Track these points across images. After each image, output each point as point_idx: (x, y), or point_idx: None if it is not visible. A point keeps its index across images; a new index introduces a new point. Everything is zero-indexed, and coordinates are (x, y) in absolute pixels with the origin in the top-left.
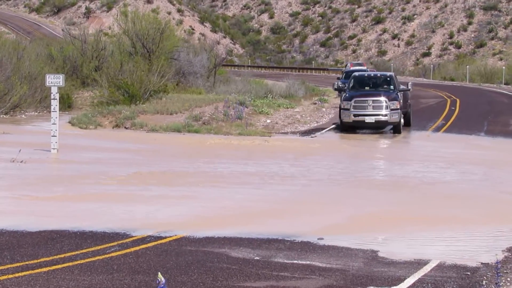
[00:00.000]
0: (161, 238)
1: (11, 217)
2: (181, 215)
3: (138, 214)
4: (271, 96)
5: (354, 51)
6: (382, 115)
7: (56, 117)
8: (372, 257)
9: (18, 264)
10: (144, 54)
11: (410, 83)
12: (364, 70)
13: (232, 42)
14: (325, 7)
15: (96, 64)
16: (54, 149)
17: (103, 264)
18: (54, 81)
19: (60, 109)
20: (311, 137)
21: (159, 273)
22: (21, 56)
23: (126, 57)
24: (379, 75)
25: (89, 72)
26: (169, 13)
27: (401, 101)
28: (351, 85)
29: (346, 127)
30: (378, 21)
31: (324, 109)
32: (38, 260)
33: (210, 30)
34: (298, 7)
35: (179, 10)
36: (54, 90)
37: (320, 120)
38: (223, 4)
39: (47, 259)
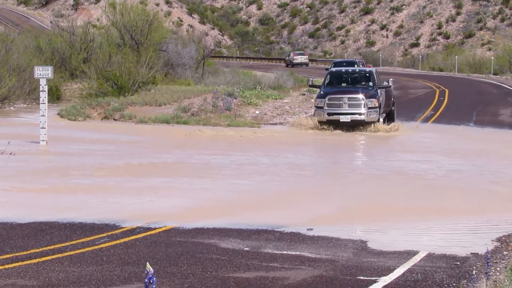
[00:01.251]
0: (150, 229)
1: (0, 209)
2: (170, 206)
3: (128, 206)
4: (260, 87)
5: (342, 42)
6: (358, 113)
7: (45, 109)
8: (362, 248)
9: (7, 256)
10: (132, 46)
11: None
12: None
13: (221, 33)
14: None
15: (84, 56)
16: (43, 141)
17: (92, 255)
18: (43, 73)
19: (48, 101)
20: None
21: (147, 263)
22: (9, 48)
23: (115, 48)
24: (357, 70)
25: (78, 64)
26: (157, 4)
27: (382, 98)
28: (327, 81)
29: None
30: (367, 11)
31: (313, 100)
32: (28, 252)
33: (199, 22)
34: None
35: (167, 2)
36: (42, 82)
37: (309, 111)
38: None
39: (37, 250)
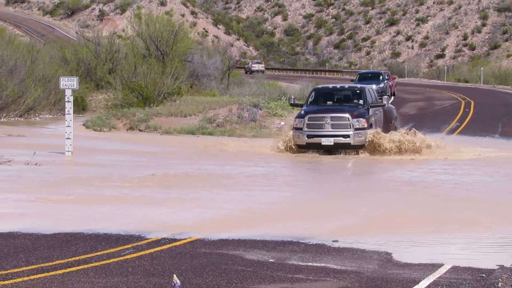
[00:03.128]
0: (175, 240)
1: (26, 220)
2: (195, 217)
3: (153, 217)
4: (285, 98)
5: (368, 53)
6: (342, 135)
7: (71, 120)
8: (387, 259)
9: (33, 267)
10: (158, 57)
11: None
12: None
13: (246, 44)
14: (339, 9)
15: (110, 67)
16: (68, 151)
17: (118, 266)
18: (68, 83)
19: (74, 112)
20: None
21: (174, 275)
22: (35, 59)
23: (140, 59)
24: (346, 87)
25: (103, 75)
26: (183, 15)
27: (374, 119)
28: (310, 99)
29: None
30: (392, 22)
31: None
32: (53, 263)
33: (224, 32)
34: (312, 9)
35: (192, 13)
36: (68, 92)
37: None
38: (237, 6)
39: (62, 261)
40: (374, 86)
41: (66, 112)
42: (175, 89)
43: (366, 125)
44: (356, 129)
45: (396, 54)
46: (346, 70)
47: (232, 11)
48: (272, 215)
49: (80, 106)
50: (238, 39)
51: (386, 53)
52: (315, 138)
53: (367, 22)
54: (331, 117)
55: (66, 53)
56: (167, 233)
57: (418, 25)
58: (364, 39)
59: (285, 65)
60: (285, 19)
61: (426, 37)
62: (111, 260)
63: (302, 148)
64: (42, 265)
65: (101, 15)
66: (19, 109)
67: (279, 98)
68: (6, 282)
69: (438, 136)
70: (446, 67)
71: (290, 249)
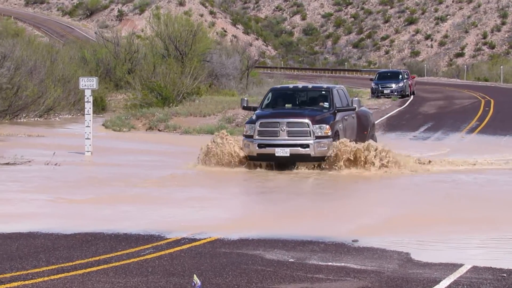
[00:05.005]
0: (195, 240)
1: (46, 220)
2: (215, 217)
3: (172, 216)
4: None
5: (387, 52)
6: (301, 145)
7: (90, 120)
8: (407, 259)
9: (53, 267)
10: (177, 57)
11: (356, 99)
12: None
13: (265, 44)
14: (358, 8)
15: (129, 67)
16: (88, 151)
17: (137, 266)
18: (88, 84)
19: (93, 112)
20: None
21: (194, 275)
22: (54, 59)
23: (159, 59)
24: (310, 87)
25: (122, 75)
26: (202, 15)
27: (342, 125)
28: (266, 101)
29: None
30: (411, 21)
31: None
32: (73, 263)
33: (243, 32)
34: (331, 8)
35: (211, 12)
36: (87, 93)
37: None
38: (255, 6)
39: (82, 261)
40: (393, 86)
41: (86, 112)
42: (194, 89)
43: (330, 133)
44: (317, 137)
45: (415, 53)
46: (365, 69)
47: (250, 10)
48: (291, 215)
49: (100, 106)
50: (257, 39)
51: (405, 52)
52: (267, 148)
53: (386, 21)
54: (287, 122)
55: (86, 54)
56: (186, 233)
57: (437, 24)
58: (383, 38)
59: (304, 65)
60: (303, 18)
61: (446, 36)
62: (131, 260)
63: (254, 160)
64: (62, 265)
65: (120, 16)
66: (39, 110)
67: None
68: (26, 282)
69: (457, 135)
70: (465, 66)
71: (310, 248)
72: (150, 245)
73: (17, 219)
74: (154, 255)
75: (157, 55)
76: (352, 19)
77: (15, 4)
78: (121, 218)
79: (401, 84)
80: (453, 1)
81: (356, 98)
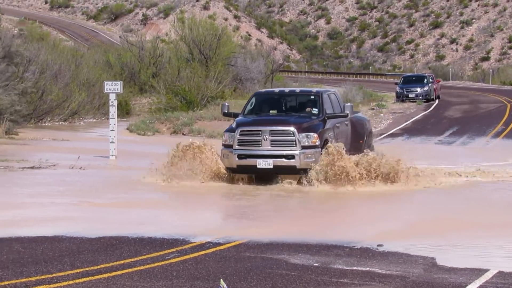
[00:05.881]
0: (219, 244)
1: (70, 224)
2: (239, 221)
3: (197, 221)
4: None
5: (412, 56)
6: (286, 156)
7: (114, 124)
8: (432, 264)
9: (78, 270)
10: (201, 61)
11: (348, 104)
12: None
13: (289, 47)
14: (382, 12)
15: (153, 71)
16: (112, 155)
17: (162, 270)
18: (112, 88)
19: (118, 116)
20: None
21: (221, 279)
22: (79, 63)
23: (183, 63)
24: (298, 91)
25: (147, 79)
26: (226, 19)
27: (332, 134)
28: (249, 107)
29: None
30: (436, 25)
31: (382, 114)
32: (98, 266)
33: (267, 36)
34: (355, 12)
35: (235, 16)
36: (112, 97)
37: (378, 126)
38: (280, 9)
39: (107, 265)
40: (418, 90)
41: (110, 116)
42: (219, 93)
43: (318, 142)
44: (304, 147)
45: (440, 57)
46: (390, 73)
47: (275, 14)
48: (316, 219)
49: (124, 110)
50: (281, 43)
51: (430, 56)
52: (248, 159)
53: (411, 25)
54: (271, 131)
55: (110, 58)
56: (211, 237)
57: (462, 27)
58: (408, 42)
59: (329, 69)
60: (328, 22)
61: (471, 40)
62: (156, 264)
63: (233, 172)
64: (87, 268)
65: (145, 20)
66: (64, 114)
67: None
68: (51, 285)
69: (482, 139)
70: (491, 70)
71: (334, 253)
72: (174, 249)
73: (42, 223)
74: (179, 259)
75: (181, 59)
76: (377, 23)
77: (40, 8)
78: (145, 222)
79: (426, 88)
80: (478, 5)
81: (349, 104)
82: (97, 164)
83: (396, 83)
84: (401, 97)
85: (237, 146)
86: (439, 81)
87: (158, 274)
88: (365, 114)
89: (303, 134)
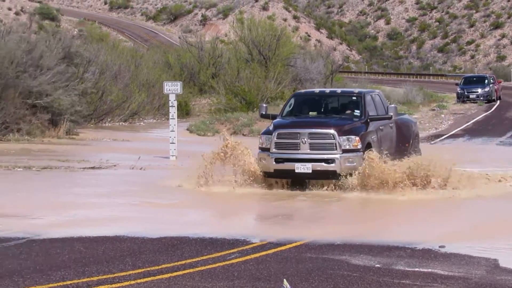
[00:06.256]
0: (281, 244)
1: (132, 224)
2: (300, 221)
3: (258, 221)
4: (389, 102)
5: (472, 57)
6: (326, 160)
7: (175, 124)
8: (495, 265)
9: (139, 270)
10: (260, 61)
11: (392, 106)
12: None
13: (349, 48)
14: (442, 12)
15: (213, 71)
16: (173, 156)
17: (223, 270)
18: (172, 88)
19: (178, 116)
20: (430, 143)
21: (284, 279)
22: (139, 64)
23: (243, 64)
24: (339, 92)
25: (206, 79)
26: (285, 19)
27: (376, 137)
28: (288, 108)
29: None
30: (497, 26)
31: (443, 115)
32: (159, 267)
33: (326, 37)
34: (415, 12)
35: (295, 17)
36: (172, 97)
37: (439, 127)
38: (339, 10)
39: (168, 265)
40: (479, 90)
41: (170, 117)
42: (278, 94)
43: (359, 146)
44: (344, 150)
45: (501, 58)
46: (450, 74)
47: (334, 15)
48: (377, 220)
49: (184, 111)
50: (341, 43)
51: (491, 56)
52: (286, 163)
53: (471, 26)
54: (310, 133)
55: (170, 58)
56: (272, 238)
57: None
58: (469, 43)
59: (388, 69)
60: (388, 23)
61: None
62: (217, 265)
63: (270, 177)
64: (148, 269)
65: (204, 20)
66: (124, 114)
67: None
68: (113, 285)
69: None
70: None
71: (396, 254)
72: (235, 250)
73: (103, 223)
74: (240, 259)
75: (240, 60)
76: (437, 23)
77: (99, 9)
78: (206, 222)
79: (487, 89)
80: None
81: (393, 105)
82: (157, 165)
83: (456, 84)
84: (462, 98)
85: (274, 150)
86: (500, 82)
87: (220, 275)
88: (426, 114)
89: (344, 137)
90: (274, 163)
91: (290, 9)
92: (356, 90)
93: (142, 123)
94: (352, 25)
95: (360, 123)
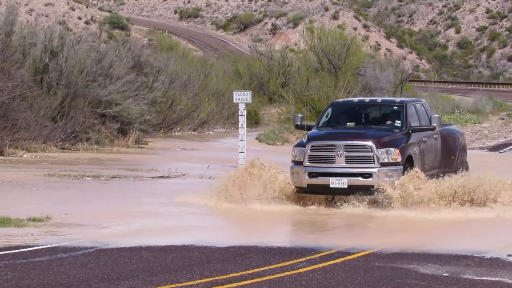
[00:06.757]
0: (349, 254)
1: (200, 232)
2: (368, 231)
3: (326, 230)
4: (458, 111)
5: None
6: (363, 174)
7: (244, 134)
8: None
9: (207, 280)
10: (330, 70)
11: (436, 116)
12: None
13: (418, 57)
14: None
15: (282, 81)
16: (241, 165)
17: (291, 280)
18: (242, 97)
19: (247, 126)
20: (499, 152)
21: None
22: (208, 73)
23: (312, 73)
24: (379, 101)
25: (276, 89)
26: (355, 28)
27: (418, 149)
28: (325, 118)
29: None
30: None
31: None
32: (227, 276)
33: (396, 46)
34: (485, 21)
35: (365, 26)
36: (241, 106)
37: (508, 135)
38: (409, 19)
39: (236, 274)
40: None
41: (240, 126)
42: None
43: (399, 159)
44: (383, 164)
45: None
46: None
47: (404, 24)
48: (445, 229)
49: (253, 120)
50: (411, 52)
51: None
52: (320, 178)
53: None
54: (346, 145)
55: (239, 67)
56: (341, 247)
57: None
58: None
59: (458, 78)
60: (458, 31)
61: None
62: (285, 274)
63: (304, 192)
64: (216, 278)
65: (274, 29)
66: (193, 123)
67: (452, 111)
68: None
69: None
70: None
71: (464, 263)
72: (303, 259)
73: (171, 232)
74: (308, 268)
75: (310, 69)
76: (507, 32)
77: (169, 18)
78: (274, 231)
79: None
80: None
81: (436, 115)
82: (226, 174)
83: None
84: None
85: (307, 163)
86: None
87: (288, 284)
88: (495, 123)
89: (383, 150)
90: (307, 177)
91: (360, 18)
92: (398, 99)
93: (211, 132)
94: (422, 34)
95: (400, 135)
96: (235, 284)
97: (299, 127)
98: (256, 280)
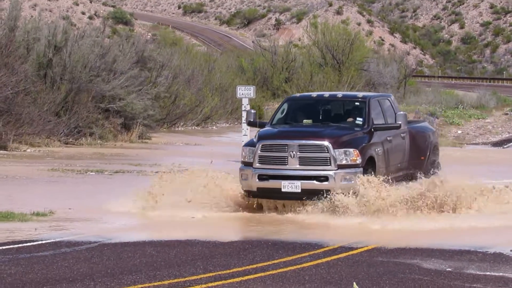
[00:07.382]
0: (352, 249)
1: (203, 228)
2: (372, 225)
3: (328, 225)
4: (462, 106)
5: None
6: (318, 177)
7: (247, 129)
8: None
9: (210, 274)
10: (333, 65)
11: (401, 113)
12: None
13: (422, 52)
14: None
15: (286, 76)
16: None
17: (295, 274)
18: (245, 92)
19: None
20: (503, 147)
21: (354, 283)
22: (212, 68)
23: (316, 68)
24: (340, 96)
25: (280, 84)
26: (359, 24)
27: (381, 149)
28: (280, 115)
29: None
30: None
31: None
32: (231, 270)
33: (400, 41)
34: (489, 16)
35: (368, 21)
36: (245, 101)
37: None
38: (413, 14)
39: (239, 269)
40: None
41: (243, 121)
42: None
43: (358, 160)
44: (340, 166)
45: None
46: None
47: (408, 19)
48: (447, 224)
49: (257, 115)
50: (415, 48)
51: None
52: (271, 181)
53: None
54: (300, 145)
55: (243, 62)
56: (343, 242)
57: None
58: None
59: (462, 74)
60: (462, 27)
61: None
62: (288, 268)
63: (253, 197)
64: (219, 272)
65: (277, 25)
66: (196, 118)
67: (456, 107)
68: None
69: None
70: None
71: (467, 258)
72: (307, 254)
73: (175, 227)
74: (311, 263)
75: (314, 64)
76: (511, 27)
77: (173, 14)
78: (278, 226)
79: None
80: None
81: (402, 112)
82: (231, 169)
83: None
84: None
85: (258, 164)
86: None
87: (291, 278)
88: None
89: (341, 150)
90: (257, 180)
91: (364, 13)
92: (361, 94)
93: (214, 127)
94: (426, 30)
95: (361, 133)
96: (238, 278)
97: (252, 124)
98: (259, 274)
